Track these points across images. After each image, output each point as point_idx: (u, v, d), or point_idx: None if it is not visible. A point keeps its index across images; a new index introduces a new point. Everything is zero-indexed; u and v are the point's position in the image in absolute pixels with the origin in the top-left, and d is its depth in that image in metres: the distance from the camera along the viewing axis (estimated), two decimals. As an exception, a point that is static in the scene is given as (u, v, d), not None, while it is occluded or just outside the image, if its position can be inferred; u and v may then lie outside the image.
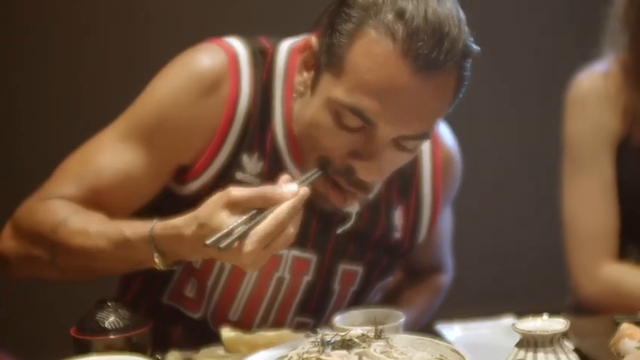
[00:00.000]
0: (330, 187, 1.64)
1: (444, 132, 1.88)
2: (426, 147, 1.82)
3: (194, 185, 1.72)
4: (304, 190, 1.47)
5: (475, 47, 1.56)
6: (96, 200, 1.69)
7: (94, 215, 1.66)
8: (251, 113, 1.69)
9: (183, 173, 1.73)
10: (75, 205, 1.68)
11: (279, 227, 1.44)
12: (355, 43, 1.52)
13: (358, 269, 1.83)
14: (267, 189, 1.47)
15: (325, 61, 1.57)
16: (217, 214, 1.45)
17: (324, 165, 1.62)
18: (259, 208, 1.46)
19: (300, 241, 1.71)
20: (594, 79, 2.02)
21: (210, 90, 1.67)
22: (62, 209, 1.66)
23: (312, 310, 1.84)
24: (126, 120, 1.73)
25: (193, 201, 1.59)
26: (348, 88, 1.53)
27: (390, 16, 1.50)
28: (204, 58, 1.69)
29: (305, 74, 1.63)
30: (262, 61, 1.72)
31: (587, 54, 2.07)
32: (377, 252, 1.84)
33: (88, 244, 1.60)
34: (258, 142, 1.70)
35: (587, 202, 1.99)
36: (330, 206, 1.69)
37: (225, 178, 1.70)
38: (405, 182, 1.81)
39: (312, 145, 1.63)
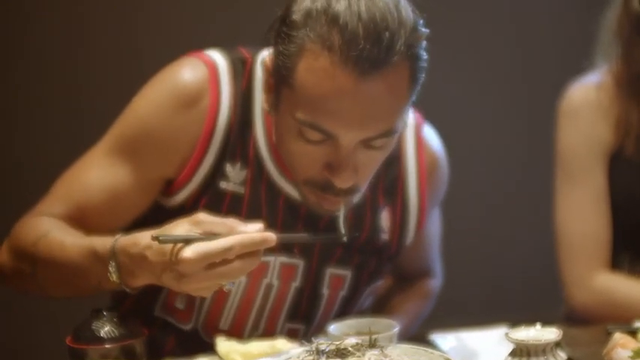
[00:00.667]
0: (320, 198, 1.66)
1: (430, 135, 1.89)
2: (410, 150, 1.84)
3: (179, 197, 1.74)
4: (270, 236, 1.48)
5: (423, 30, 1.56)
6: (85, 217, 1.72)
7: (74, 230, 1.69)
8: (232, 123, 1.72)
9: (168, 186, 1.75)
10: (60, 221, 1.71)
11: (225, 251, 1.45)
12: (299, 62, 1.54)
13: (346, 273, 1.84)
14: (233, 220, 1.49)
15: (278, 81, 1.60)
16: (179, 226, 1.47)
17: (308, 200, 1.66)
18: (220, 232, 1.47)
19: (287, 247, 1.75)
20: (587, 91, 2.03)
21: (191, 103, 1.70)
22: (45, 224, 1.69)
23: (302, 316, 1.84)
24: (111, 136, 1.76)
25: (179, 213, 1.61)
26: (302, 106, 1.54)
27: (325, 28, 1.51)
28: (184, 73, 1.72)
29: (266, 95, 1.66)
30: (242, 71, 1.74)
31: (579, 63, 2.08)
32: (364, 255, 1.85)
33: (63, 256, 1.62)
34: (240, 151, 1.73)
35: (579, 212, 2.00)
36: (324, 211, 1.70)
37: (209, 187, 1.73)
38: (390, 185, 1.83)
39: (290, 167, 1.66)
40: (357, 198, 1.72)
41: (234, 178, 1.73)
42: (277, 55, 1.58)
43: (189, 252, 1.43)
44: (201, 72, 1.72)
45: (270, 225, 1.59)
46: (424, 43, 1.56)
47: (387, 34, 1.48)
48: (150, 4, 3.07)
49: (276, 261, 1.78)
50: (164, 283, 1.50)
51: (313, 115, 1.54)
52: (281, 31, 1.57)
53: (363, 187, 1.68)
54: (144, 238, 1.50)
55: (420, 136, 1.85)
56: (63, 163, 1.83)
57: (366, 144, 1.59)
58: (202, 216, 1.48)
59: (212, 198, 1.73)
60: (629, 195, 1.98)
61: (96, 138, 1.82)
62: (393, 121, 1.57)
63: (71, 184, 1.75)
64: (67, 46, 3.07)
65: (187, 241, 1.46)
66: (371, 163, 1.64)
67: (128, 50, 3.06)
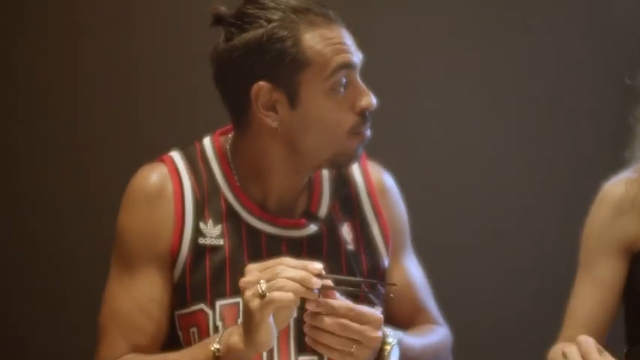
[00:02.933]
0: (361, 136, 1.92)
1: (375, 165, 2.09)
2: (357, 173, 2.04)
3: (177, 269, 1.93)
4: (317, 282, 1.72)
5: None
6: (144, 340, 1.90)
7: (156, 355, 1.90)
8: (197, 194, 1.96)
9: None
10: (140, 355, 1.89)
11: (279, 262, 1.72)
12: (302, 42, 1.88)
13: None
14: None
15: (288, 78, 1.88)
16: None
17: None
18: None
19: None
20: (617, 185, 2.08)
21: (158, 195, 1.94)
22: None
23: (310, 347, 1.87)
24: (115, 258, 1.96)
25: (178, 287, 1.91)
26: (324, 64, 1.88)
27: (298, 15, 1.89)
28: (146, 176, 1.97)
29: (273, 111, 1.91)
30: (195, 153, 2.00)
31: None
32: (350, 274, 1.94)
33: None
34: (211, 212, 1.96)
35: (575, 292, 2.07)
36: (358, 157, 1.95)
37: (191, 247, 1.92)
38: (344, 202, 2.02)
39: (333, 136, 1.91)
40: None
41: (210, 233, 1.94)
42: (280, 59, 1.87)
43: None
44: (160, 168, 1.97)
45: (256, 262, 1.80)
46: None
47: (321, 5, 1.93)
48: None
49: None
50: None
51: (339, 59, 1.88)
52: (265, 52, 1.88)
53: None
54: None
55: (365, 164, 2.06)
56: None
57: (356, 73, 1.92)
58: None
59: (195, 254, 1.93)
60: None
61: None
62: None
63: (115, 321, 1.92)
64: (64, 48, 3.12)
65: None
66: None
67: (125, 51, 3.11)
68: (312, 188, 2.00)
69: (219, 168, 1.98)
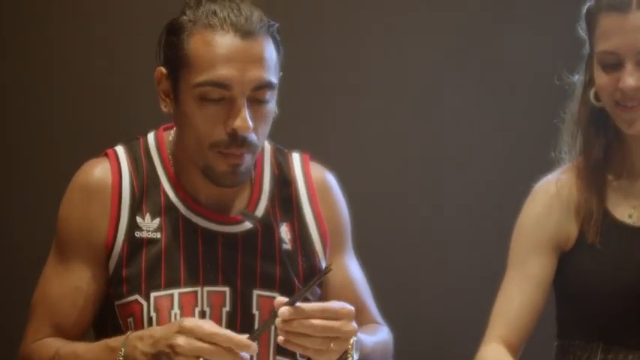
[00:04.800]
0: (226, 156, 1.92)
1: (318, 167, 2.12)
2: (299, 174, 2.08)
3: (111, 264, 1.99)
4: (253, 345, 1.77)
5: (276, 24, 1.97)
6: (67, 325, 1.98)
7: (77, 342, 1.96)
8: (135, 188, 2.00)
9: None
10: (59, 339, 1.96)
11: (213, 335, 1.76)
12: (191, 42, 1.92)
13: (275, 295, 1.94)
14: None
15: (173, 73, 1.94)
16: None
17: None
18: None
19: (211, 276, 1.97)
20: (548, 184, 2.11)
21: (95, 192, 2.00)
22: (51, 345, 1.95)
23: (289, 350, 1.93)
24: (55, 247, 2.03)
25: (114, 278, 1.96)
26: (199, 71, 1.90)
27: (206, 17, 1.92)
28: (87, 170, 2.03)
29: (166, 99, 1.98)
30: (138, 147, 2.05)
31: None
32: (284, 272, 1.99)
33: None
34: (149, 206, 2.00)
35: (504, 289, 2.09)
36: (230, 180, 1.94)
37: (128, 239, 1.98)
38: (285, 202, 2.06)
39: (197, 141, 1.93)
40: (253, 158, 1.96)
41: (147, 226, 1.99)
42: (168, 51, 1.95)
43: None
44: (102, 163, 2.03)
45: (191, 257, 1.96)
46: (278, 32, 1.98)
47: (250, 17, 1.92)
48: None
49: (204, 290, 1.97)
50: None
51: (211, 73, 1.90)
52: (169, 36, 1.95)
53: (260, 143, 1.96)
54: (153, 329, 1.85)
55: (307, 165, 2.10)
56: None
57: (254, 96, 1.91)
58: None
59: (131, 247, 1.98)
60: (595, 281, 2.04)
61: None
62: (270, 74, 1.93)
63: (43, 305, 2.00)
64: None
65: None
66: (262, 117, 1.94)
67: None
68: (252, 188, 2.03)
69: (160, 162, 2.03)
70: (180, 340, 1.75)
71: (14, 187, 3.18)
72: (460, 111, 3.19)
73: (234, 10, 1.92)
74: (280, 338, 1.78)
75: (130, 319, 1.95)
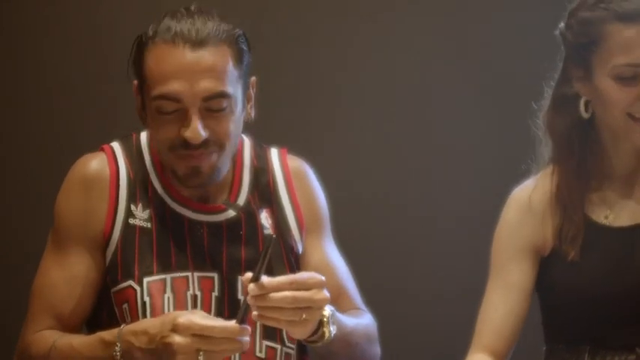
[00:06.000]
0: (185, 157, 1.99)
1: (295, 158, 2.20)
2: (276, 164, 2.16)
3: (109, 252, 2.05)
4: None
5: (239, 30, 2.02)
6: (67, 315, 2.03)
7: (74, 334, 2.02)
8: (132, 180, 2.08)
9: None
10: (57, 332, 2.01)
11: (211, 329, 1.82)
12: (146, 56, 2.00)
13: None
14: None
15: (140, 87, 2.03)
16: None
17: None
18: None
19: (199, 262, 2.05)
20: (524, 191, 2.10)
21: (93, 182, 2.07)
22: (48, 337, 2.00)
23: (275, 334, 2.02)
24: (52, 237, 2.09)
25: (111, 266, 2.03)
26: (153, 85, 1.98)
27: (160, 33, 1.98)
28: (84, 162, 2.11)
29: (139, 112, 2.06)
30: (131, 143, 2.13)
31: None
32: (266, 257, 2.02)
33: (76, 356, 1.95)
34: (141, 197, 2.08)
35: (487, 298, 2.08)
36: (192, 181, 2.02)
37: (123, 227, 2.05)
38: (263, 190, 2.14)
39: (160, 149, 2.03)
40: (222, 158, 2.02)
41: (140, 215, 2.06)
42: (135, 66, 2.03)
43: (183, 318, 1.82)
44: (99, 155, 2.11)
45: (180, 245, 2.04)
46: (241, 39, 2.03)
47: (201, 28, 1.97)
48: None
49: (194, 275, 2.04)
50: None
51: (163, 87, 1.96)
52: (135, 52, 2.03)
53: (228, 142, 2.01)
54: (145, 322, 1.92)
55: (284, 157, 2.18)
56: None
57: (207, 106, 1.96)
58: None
59: (125, 234, 2.05)
60: (573, 288, 2.03)
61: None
62: (221, 84, 1.97)
63: (42, 295, 2.05)
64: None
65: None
66: (221, 124, 1.99)
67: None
68: (232, 179, 2.11)
69: (150, 157, 2.11)
70: (178, 339, 1.81)
71: (8, 186, 3.23)
72: (453, 111, 3.20)
73: (188, 23, 1.97)
74: (255, 314, 1.80)
75: (125, 306, 2.02)
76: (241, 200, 2.11)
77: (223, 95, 1.97)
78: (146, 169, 2.10)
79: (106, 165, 2.09)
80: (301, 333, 1.86)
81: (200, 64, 1.96)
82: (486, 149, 3.16)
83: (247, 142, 2.16)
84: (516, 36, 3.14)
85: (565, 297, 2.04)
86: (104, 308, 2.05)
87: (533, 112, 2.11)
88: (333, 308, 1.89)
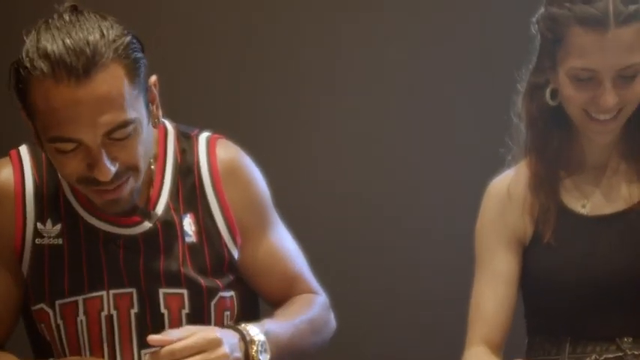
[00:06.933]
0: (99, 192, 1.87)
1: (225, 146, 2.05)
2: (203, 160, 2.02)
3: (23, 270, 1.98)
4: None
5: (128, 38, 1.82)
6: None
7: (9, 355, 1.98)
8: (38, 194, 1.97)
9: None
10: None
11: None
12: (30, 94, 1.81)
13: (182, 291, 1.96)
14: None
15: (31, 121, 1.85)
16: None
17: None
18: None
19: (115, 279, 1.95)
20: (502, 182, 2.11)
21: (1, 197, 1.96)
22: None
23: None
24: None
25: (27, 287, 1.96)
26: (46, 126, 1.82)
27: (38, 61, 1.78)
28: None
29: (35, 140, 1.90)
30: (40, 154, 1.97)
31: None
32: (186, 268, 1.98)
33: None
34: (50, 211, 1.97)
35: (476, 290, 2.10)
36: (114, 209, 1.92)
37: (31, 248, 1.97)
38: (188, 193, 2.00)
39: (68, 182, 1.92)
40: (138, 180, 1.90)
41: (49, 233, 1.96)
42: (19, 96, 1.84)
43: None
44: (5, 165, 1.99)
45: (94, 262, 1.94)
46: (133, 46, 1.83)
47: (88, 47, 1.77)
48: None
49: (109, 294, 1.96)
50: None
51: (55, 130, 1.81)
52: (15, 81, 1.84)
53: (140, 168, 1.88)
54: None
55: (213, 149, 2.03)
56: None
57: (110, 138, 1.82)
58: None
59: (34, 255, 1.97)
60: (552, 278, 2.04)
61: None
62: (121, 113, 1.81)
63: None
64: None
65: None
66: (129, 150, 1.85)
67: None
68: (151, 184, 1.98)
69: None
70: None
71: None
72: (442, 108, 3.20)
73: (67, 44, 1.77)
74: None
75: (43, 326, 1.98)
76: (160, 208, 1.98)
77: (126, 124, 1.81)
78: (57, 178, 1.97)
79: (11, 176, 1.97)
80: None
81: (92, 98, 1.78)
82: (476, 146, 3.15)
83: (171, 132, 2.02)
84: (509, 29, 3.14)
85: (543, 282, 2.05)
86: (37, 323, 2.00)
87: (513, 102, 2.12)
88: (264, 331, 1.89)
